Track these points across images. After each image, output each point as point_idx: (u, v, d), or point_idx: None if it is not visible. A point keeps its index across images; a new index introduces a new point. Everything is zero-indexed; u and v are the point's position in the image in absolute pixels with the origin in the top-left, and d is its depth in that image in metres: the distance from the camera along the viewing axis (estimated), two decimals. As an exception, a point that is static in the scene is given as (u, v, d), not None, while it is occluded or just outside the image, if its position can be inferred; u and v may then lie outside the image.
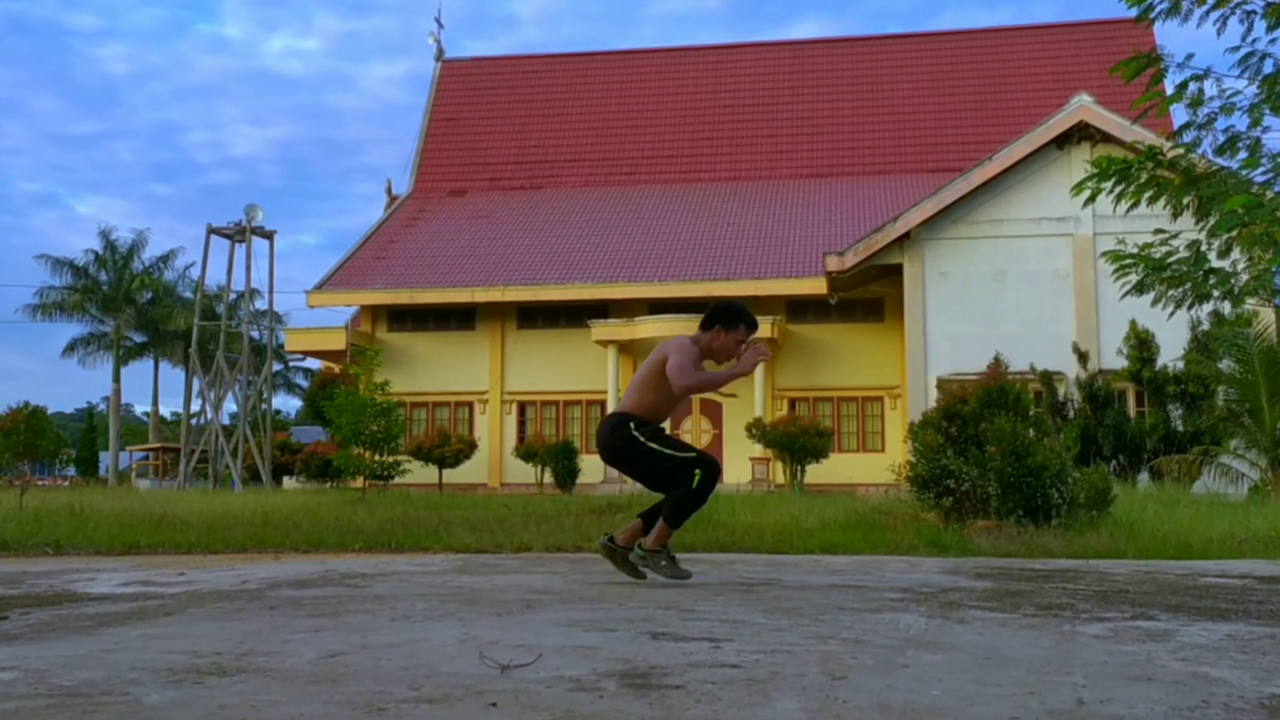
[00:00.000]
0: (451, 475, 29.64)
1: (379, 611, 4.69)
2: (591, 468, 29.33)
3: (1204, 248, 6.78)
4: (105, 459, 55.81)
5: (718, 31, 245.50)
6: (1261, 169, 6.34)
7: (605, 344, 30.80)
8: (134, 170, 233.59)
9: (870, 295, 29.84)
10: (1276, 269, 6.71)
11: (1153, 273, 6.86)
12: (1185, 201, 6.71)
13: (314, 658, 3.51)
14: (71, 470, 60.44)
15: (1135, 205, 6.78)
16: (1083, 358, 24.46)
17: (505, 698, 2.88)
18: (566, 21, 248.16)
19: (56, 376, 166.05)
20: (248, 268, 31.35)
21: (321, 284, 33.42)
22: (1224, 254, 6.68)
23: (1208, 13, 6.31)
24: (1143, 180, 6.72)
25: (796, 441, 25.83)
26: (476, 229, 35.42)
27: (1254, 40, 6.27)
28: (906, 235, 25.97)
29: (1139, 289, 7.01)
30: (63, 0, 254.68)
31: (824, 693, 2.98)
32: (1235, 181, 6.39)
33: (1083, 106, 24.92)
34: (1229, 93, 6.31)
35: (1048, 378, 24.18)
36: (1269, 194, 6.20)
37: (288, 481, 31.39)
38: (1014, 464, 9.72)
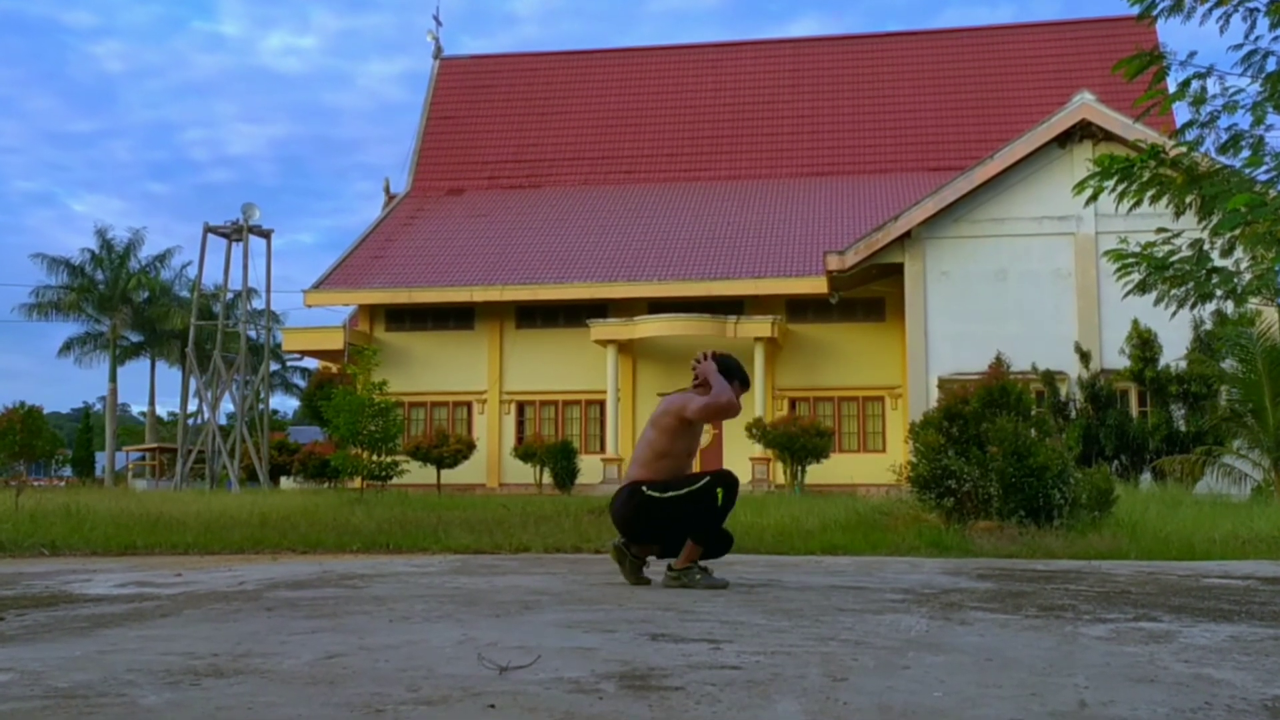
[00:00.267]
0: (450, 475, 29.61)
1: (377, 613, 4.67)
2: (590, 468, 29.34)
3: (1207, 247, 6.77)
4: (101, 459, 55.82)
5: (717, 29, 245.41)
6: (1265, 167, 6.32)
7: (604, 343, 30.77)
8: (130, 169, 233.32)
9: (871, 294, 29.82)
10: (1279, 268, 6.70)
11: (1155, 272, 6.84)
12: (1188, 200, 6.69)
13: (312, 659, 3.49)
14: (68, 470, 60.36)
15: (1137, 204, 6.76)
16: (1085, 357, 24.45)
17: (504, 699, 2.87)
18: (565, 19, 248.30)
19: (52, 376, 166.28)
20: (245, 267, 31.36)
21: (319, 283, 33.39)
22: (1227, 253, 6.67)
23: (1210, 10, 6.29)
24: (1145, 179, 6.70)
25: (797, 442, 25.81)
26: (475, 228, 35.38)
27: (1257, 38, 6.25)
28: (907, 234, 25.95)
29: (1141, 288, 7.00)
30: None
31: (825, 694, 2.97)
32: (1238, 180, 6.37)
33: (1085, 105, 24.90)
34: (1232, 91, 6.29)
35: (1050, 377, 24.17)
36: (1272, 192, 6.19)
37: (285, 482, 31.37)
38: (1016, 464, 9.71)
